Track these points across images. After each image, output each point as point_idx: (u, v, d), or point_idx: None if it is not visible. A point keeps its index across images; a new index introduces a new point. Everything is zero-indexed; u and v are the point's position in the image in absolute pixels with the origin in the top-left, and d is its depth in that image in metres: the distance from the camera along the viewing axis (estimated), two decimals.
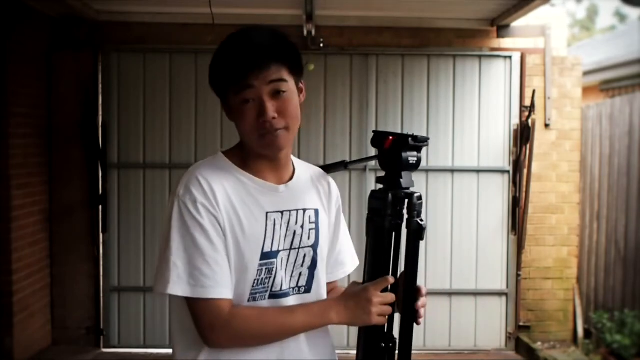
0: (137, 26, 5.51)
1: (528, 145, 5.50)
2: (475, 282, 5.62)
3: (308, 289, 1.60)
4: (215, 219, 1.47)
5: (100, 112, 5.49)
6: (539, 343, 5.59)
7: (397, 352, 1.54)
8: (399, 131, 1.56)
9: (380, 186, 1.57)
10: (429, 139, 1.53)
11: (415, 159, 1.52)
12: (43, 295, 5.35)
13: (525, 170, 5.54)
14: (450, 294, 5.58)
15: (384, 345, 1.52)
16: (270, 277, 1.53)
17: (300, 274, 1.59)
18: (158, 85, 5.51)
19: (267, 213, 1.54)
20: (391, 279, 1.51)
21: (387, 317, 1.51)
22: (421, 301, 1.55)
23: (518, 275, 5.60)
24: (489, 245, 5.62)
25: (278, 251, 1.54)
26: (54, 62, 5.44)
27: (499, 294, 5.64)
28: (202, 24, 5.23)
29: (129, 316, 5.54)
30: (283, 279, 1.55)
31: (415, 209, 1.53)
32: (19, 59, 4.96)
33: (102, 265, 5.52)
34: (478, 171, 5.61)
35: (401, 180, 1.52)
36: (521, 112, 5.57)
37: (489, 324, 5.64)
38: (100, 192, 5.47)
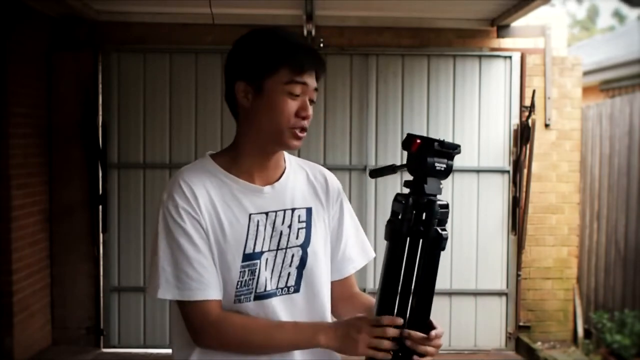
0: (137, 26, 5.51)
1: (528, 145, 5.50)
2: (475, 282, 5.62)
3: (297, 289, 1.59)
4: (198, 222, 1.50)
5: (100, 112, 5.49)
6: (539, 343, 5.59)
7: None
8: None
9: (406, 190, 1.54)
10: (459, 146, 1.51)
11: (444, 165, 1.49)
12: (43, 295, 5.35)
13: (525, 170, 5.54)
14: (450, 294, 5.58)
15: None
16: (253, 279, 1.53)
17: (289, 274, 1.58)
18: (158, 85, 5.51)
19: (250, 215, 1.55)
20: (386, 319, 1.46)
21: (385, 353, 1.45)
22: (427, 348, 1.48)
23: (518, 275, 5.60)
24: (489, 245, 5.62)
25: (262, 252, 1.55)
26: (54, 62, 5.44)
27: (499, 294, 5.64)
28: (202, 24, 5.24)
29: (129, 316, 5.54)
30: (268, 280, 1.55)
31: (435, 216, 1.49)
32: (19, 59, 4.96)
33: (102, 265, 5.52)
34: (478, 171, 5.61)
35: (425, 185, 1.48)
36: (521, 112, 5.57)
37: (489, 324, 5.64)
38: (100, 192, 5.47)
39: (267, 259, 1.55)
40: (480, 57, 5.63)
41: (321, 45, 5.45)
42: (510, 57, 5.61)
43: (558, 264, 5.71)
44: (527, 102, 5.52)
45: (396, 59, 5.60)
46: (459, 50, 5.62)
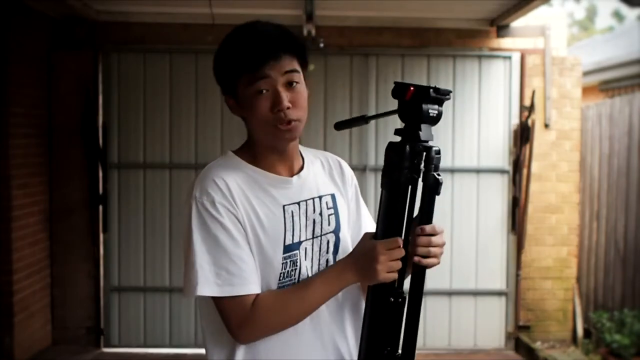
0: (137, 26, 5.51)
1: (528, 145, 5.50)
2: (475, 282, 5.62)
3: None
4: (235, 217, 1.50)
5: (100, 112, 5.50)
6: (539, 343, 5.59)
7: (406, 307, 1.51)
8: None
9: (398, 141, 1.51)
10: (451, 91, 1.50)
11: (436, 112, 1.48)
12: (43, 295, 5.35)
13: (525, 170, 5.55)
14: (450, 293, 5.58)
15: (392, 300, 1.49)
16: (295, 269, 1.55)
17: (327, 260, 1.61)
18: (158, 85, 5.51)
19: (283, 206, 1.56)
20: (401, 241, 1.48)
21: (396, 273, 1.48)
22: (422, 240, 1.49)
23: (518, 275, 5.60)
24: (489, 245, 5.62)
25: (300, 242, 1.56)
26: (54, 62, 5.44)
27: (499, 293, 5.64)
28: (202, 24, 5.24)
29: (129, 316, 5.54)
30: (308, 268, 1.56)
31: (432, 162, 1.49)
32: (19, 59, 4.96)
33: (102, 265, 5.52)
34: (478, 171, 5.62)
35: (420, 132, 1.47)
36: (521, 112, 5.58)
37: (489, 324, 5.64)
38: (100, 192, 5.47)
39: (305, 248, 1.57)
40: (480, 57, 5.63)
41: (321, 45, 5.45)
42: (510, 57, 5.61)
43: (558, 263, 5.71)
44: (527, 102, 5.53)
45: (396, 59, 5.61)
46: (459, 51, 5.63)
